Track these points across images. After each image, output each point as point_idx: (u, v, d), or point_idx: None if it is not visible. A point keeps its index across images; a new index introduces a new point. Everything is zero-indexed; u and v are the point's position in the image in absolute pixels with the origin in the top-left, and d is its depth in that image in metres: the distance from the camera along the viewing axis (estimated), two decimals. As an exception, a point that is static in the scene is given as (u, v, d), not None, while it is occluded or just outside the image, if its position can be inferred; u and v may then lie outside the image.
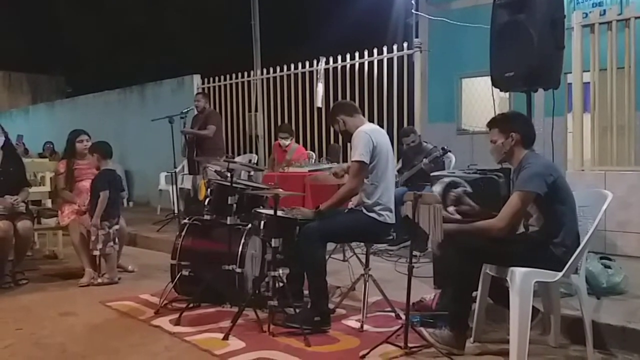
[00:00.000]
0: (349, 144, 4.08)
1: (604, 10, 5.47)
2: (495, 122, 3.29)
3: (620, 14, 5.27)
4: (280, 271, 3.70)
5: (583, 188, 4.29)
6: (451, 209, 3.28)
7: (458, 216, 3.32)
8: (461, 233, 3.10)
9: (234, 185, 4.07)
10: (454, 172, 4.48)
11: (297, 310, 3.65)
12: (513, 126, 3.20)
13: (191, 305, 3.98)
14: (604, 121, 5.35)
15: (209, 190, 4.43)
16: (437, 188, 3.09)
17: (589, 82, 5.41)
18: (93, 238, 4.95)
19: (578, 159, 5.43)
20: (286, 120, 8.41)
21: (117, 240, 5.08)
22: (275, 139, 7.45)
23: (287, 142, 7.06)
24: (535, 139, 3.24)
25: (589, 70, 5.35)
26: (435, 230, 3.00)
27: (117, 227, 5.08)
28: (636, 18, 5.09)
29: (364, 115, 4.30)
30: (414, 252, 3.59)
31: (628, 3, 6.98)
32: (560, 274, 2.94)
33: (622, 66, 5.18)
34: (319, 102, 7.69)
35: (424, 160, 5.77)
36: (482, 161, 4.66)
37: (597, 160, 5.37)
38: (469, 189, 3.23)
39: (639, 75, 5.11)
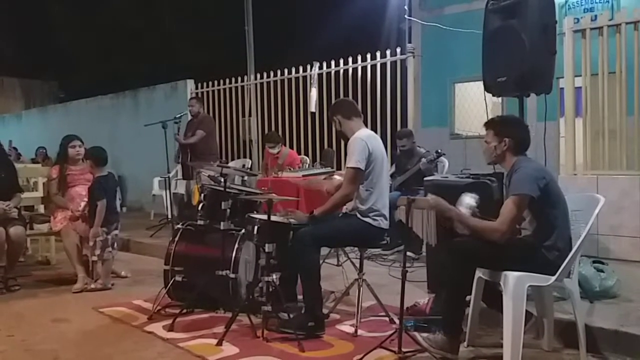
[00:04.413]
0: (343, 149, 4.09)
1: (595, 16, 5.50)
2: (492, 124, 3.28)
3: (612, 19, 5.30)
4: (274, 276, 3.70)
5: (575, 192, 4.30)
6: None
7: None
8: (460, 222, 3.10)
9: (227, 190, 4.06)
10: (447, 177, 4.49)
11: (291, 316, 3.64)
12: (508, 131, 3.19)
13: (185, 310, 3.96)
14: (596, 126, 5.38)
15: (202, 195, 4.42)
16: (470, 200, 3.11)
17: (580, 87, 5.44)
18: (91, 243, 4.94)
19: (570, 164, 5.45)
20: (280, 125, 8.41)
21: (115, 245, 5.08)
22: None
23: (275, 150, 7.06)
24: (529, 146, 3.24)
25: (580, 75, 5.38)
26: (428, 234, 3.01)
27: (116, 232, 5.08)
28: (627, 23, 5.13)
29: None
30: (408, 256, 3.59)
31: (619, 8, 7.02)
32: (553, 277, 2.95)
33: (614, 71, 5.20)
34: (313, 107, 7.70)
35: (422, 160, 5.75)
36: (475, 165, 4.67)
37: (589, 165, 5.40)
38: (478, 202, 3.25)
39: (630, 80, 5.13)
